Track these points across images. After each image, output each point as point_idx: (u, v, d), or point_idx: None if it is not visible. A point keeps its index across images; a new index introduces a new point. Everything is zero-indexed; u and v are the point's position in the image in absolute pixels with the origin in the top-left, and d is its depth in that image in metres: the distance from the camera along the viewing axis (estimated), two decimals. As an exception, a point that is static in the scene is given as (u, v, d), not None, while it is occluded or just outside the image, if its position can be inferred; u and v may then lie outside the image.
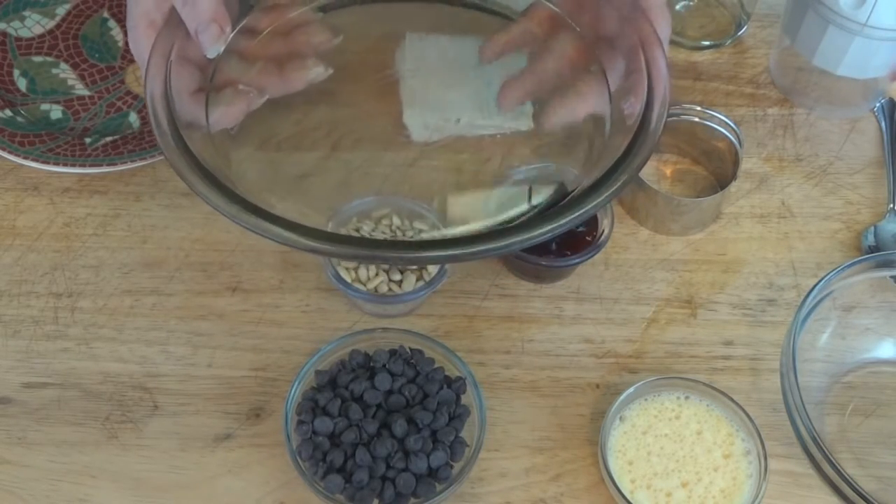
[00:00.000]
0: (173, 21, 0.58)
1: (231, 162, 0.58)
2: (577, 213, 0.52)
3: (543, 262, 0.68)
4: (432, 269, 0.67)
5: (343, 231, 0.62)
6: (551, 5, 0.64)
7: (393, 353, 0.65)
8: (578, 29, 0.63)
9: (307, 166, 0.62)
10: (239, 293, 0.70)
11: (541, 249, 0.67)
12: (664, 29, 0.60)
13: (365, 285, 0.66)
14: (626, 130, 0.56)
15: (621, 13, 0.60)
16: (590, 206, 0.52)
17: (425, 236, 0.61)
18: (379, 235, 0.62)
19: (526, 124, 0.63)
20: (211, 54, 0.58)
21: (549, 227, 0.52)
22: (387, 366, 0.64)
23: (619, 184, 0.53)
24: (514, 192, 0.62)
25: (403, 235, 0.64)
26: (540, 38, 0.63)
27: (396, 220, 0.63)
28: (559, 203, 0.56)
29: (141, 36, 0.59)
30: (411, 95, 0.64)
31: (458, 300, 0.70)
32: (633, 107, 0.57)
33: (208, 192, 0.52)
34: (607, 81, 0.61)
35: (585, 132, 0.61)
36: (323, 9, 0.66)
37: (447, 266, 0.67)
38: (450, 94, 0.65)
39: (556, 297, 0.71)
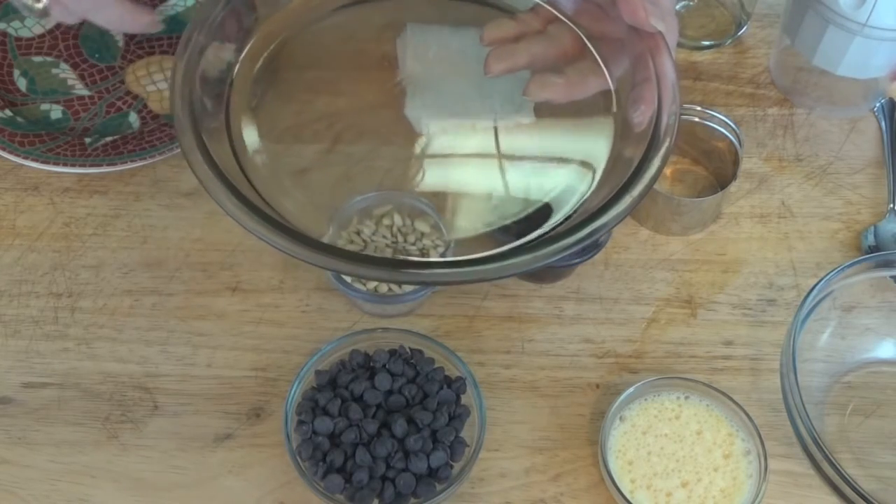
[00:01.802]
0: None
1: (246, 149, 0.58)
2: (595, 227, 0.52)
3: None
4: None
5: (343, 234, 0.62)
6: (553, 10, 0.64)
7: (393, 353, 0.65)
8: (580, 31, 0.63)
9: (309, 159, 0.62)
10: (239, 293, 0.70)
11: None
12: (672, 36, 0.60)
13: (365, 285, 0.66)
14: (638, 140, 0.56)
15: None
16: (608, 219, 0.52)
17: (440, 258, 0.61)
18: (381, 241, 0.62)
19: (528, 117, 0.63)
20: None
21: (565, 244, 0.52)
22: (387, 366, 0.64)
23: (635, 195, 0.53)
24: (518, 184, 0.62)
25: (405, 240, 0.63)
26: (538, 29, 0.63)
27: (398, 220, 0.63)
28: (572, 215, 0.56)
29: None
30: (413, 88, 0.64)
31: (458, 300, 0.70)
32: (644, 115, 0.57)
33: (231, 205, 0.52)
34: (607, 76, 0.61)
35: (591, 129, 0.61)
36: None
37: None
38: (451, 87, 0.65)
39: (556, 297, 0.71)
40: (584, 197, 0.57)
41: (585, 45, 0.63)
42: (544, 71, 0.62)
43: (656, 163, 0.54)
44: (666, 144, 0.55)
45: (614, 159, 0.58)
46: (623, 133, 0.59)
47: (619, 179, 0.55)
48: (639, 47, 0.59)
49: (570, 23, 0.63)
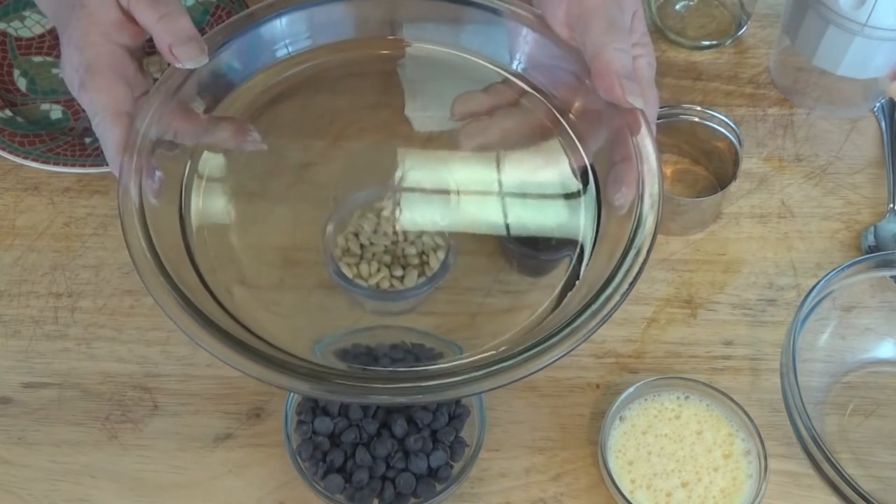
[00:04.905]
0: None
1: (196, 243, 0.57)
2: (589, 328, 0.51)
3: (542, 256, 0.67)
4: (434, 265, 0.67)
5: (340, 238, 0.62)
6: (526, 83, 0.62)
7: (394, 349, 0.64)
8: (555, 104, 0.62)
9: (311, 154, 0.62)
10: (239, 293, 0.70)
11: (540, 244, 0.67)
12: (652, 110, 0.57)
13: (366, 281, 0.66)
14: (621, 221, 0.55)
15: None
16: (595, 322, 0.51)
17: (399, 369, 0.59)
18: (381, 241, 0.62)
19: None
20: (190, 65, 0.57)
21: (565, 346, 0.51)
22: (387, 365, 0.64)
23: (626, 287, 0.51)
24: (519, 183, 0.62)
25: (405, 237, 0.63)
26: (512, 101, 0.62)
27: (398, 214, 0.63)
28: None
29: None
30: (413, 88, 0.64)
31: (462, 297, 0.70)
32: (625, 197, 0.55)
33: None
34: (582, 153, 0.60)
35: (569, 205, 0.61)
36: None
37: (450, 261, 0.66)
38: (451, 87, 0.65)
39: (556, 297, 0.71)
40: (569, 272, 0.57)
41: (557, 119, 0.61)
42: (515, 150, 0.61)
43: (645, 248, 0.52)
44: (653, 229, 0.53)
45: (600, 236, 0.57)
46: (602, 212, 0.57)
47: (608, 266, 0.53)
48: (617, 123, 0.57)
49: (543, 96, 0.62)
